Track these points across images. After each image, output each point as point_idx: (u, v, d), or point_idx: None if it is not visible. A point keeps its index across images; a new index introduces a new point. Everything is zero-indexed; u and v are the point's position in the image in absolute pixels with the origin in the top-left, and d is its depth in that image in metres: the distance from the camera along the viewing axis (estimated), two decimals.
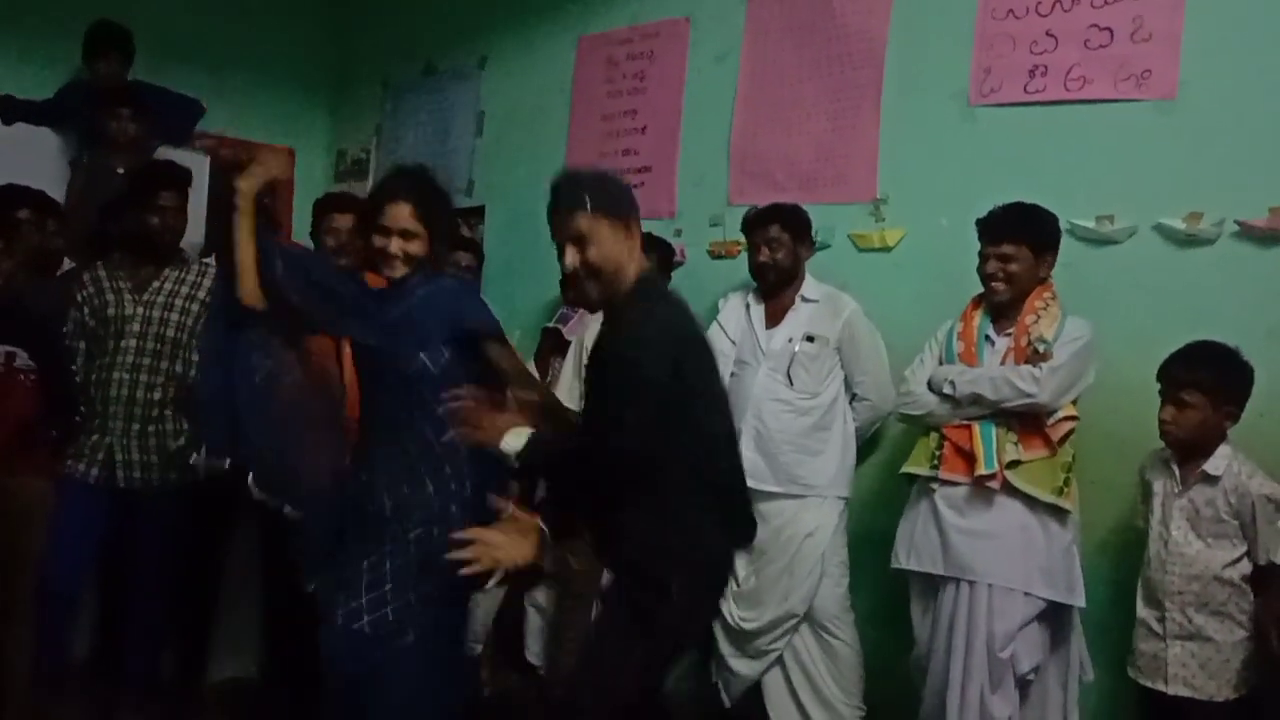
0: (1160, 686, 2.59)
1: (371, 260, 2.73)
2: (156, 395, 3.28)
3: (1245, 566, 2.57)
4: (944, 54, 3.49)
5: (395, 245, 2.64)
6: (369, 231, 2.71)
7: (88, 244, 3.65)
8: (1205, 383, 2.58)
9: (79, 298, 3.29)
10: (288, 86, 5.36)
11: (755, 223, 3.46)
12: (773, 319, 3.43)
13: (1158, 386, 2.67)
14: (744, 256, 3.72)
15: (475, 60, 4.95)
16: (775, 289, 3.45)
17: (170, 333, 3.29)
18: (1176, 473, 2.65)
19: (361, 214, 3.08)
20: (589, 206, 2.24)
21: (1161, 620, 2.61)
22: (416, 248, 2.66)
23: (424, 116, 5.16)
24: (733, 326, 3.49)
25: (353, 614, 2.54)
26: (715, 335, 3.51)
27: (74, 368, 3.27)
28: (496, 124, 4.87)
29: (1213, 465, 2.58)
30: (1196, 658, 2.55)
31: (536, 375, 2.91)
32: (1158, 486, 2.69)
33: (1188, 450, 2.63)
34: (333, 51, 5.57)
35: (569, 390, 3.80)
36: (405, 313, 2.65)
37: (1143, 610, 2.66)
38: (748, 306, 3.50)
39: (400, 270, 2.67)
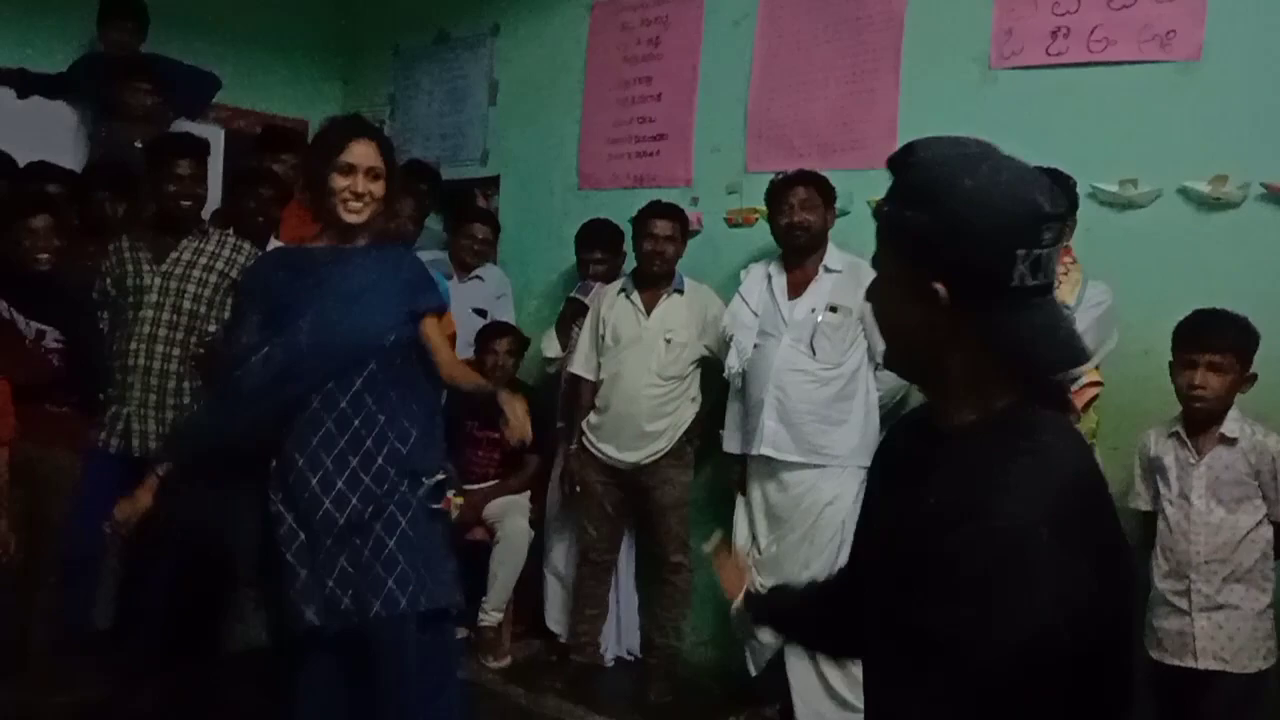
0: (1189, 662, 2.57)
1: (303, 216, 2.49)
2: (172, 366, 3.29)
3: (1268, 531, 2.57)
4: (964, 16, 3.44)
5: (362, 184, 2.44)
6: (317, 180, 2.47)
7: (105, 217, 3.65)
8: (1234, 346, 2.56)
9: (104, 268, 3.32)
10: (299, 56, 5.32)
11: (784, 185, 3.43)
12: (795, 289, 3.41)
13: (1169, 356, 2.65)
14: (761, 225, 3.70)
15: (488, 28, 4.91)
16: (801, 255, 3.43)
17: (187, 304, 3.30)
18: (1189, 443, 2.64)
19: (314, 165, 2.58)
20: None
21: (1185, 594, 2.59)
22: (381, 189, 2.48)
23: (436, 85, 5.13)
24: (755, 298, 3.47)
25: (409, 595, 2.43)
26: (737, 306, 3.51)
27: (100, 340, 3.30)
28: (510, 92, 4.83)
29: (1229, 428, 2.58)
30: (1224, 629, 2.54)
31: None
32: (1169, 460, 2.67)
33: (1206, 418, 2.61)
34: (344, 20, 5.52)
35: (585, 359, 3.81)
36: (373, 281, 2.48)
37: (1163, 584, 2.63)
38: (769, 277, 3.48)
39: (366, 213, 2.47)
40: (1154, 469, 2.72)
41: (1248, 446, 2.57)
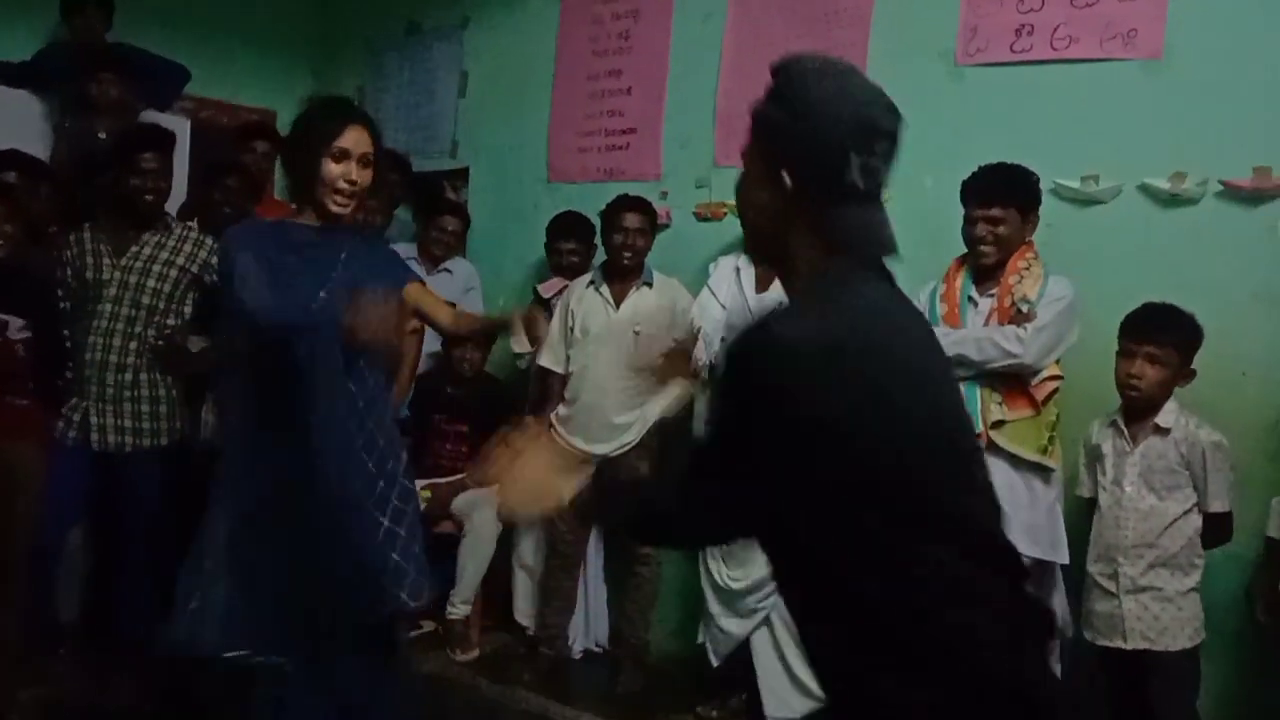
0: (1119, 643, 2.64)
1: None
2: (130, 360, 3.26)
3: (1196, 520, 2.64)
4: (931, 12, 3.47)
5: (356, 171, 2.34)
6: (306, 165, 2.37)
7: (71, 208, 3.61)
8: (1178, 340, 2.63)
9: (65, 258, 3.29)
10: (268, 46, 5.28)
11: None
12: (763, 283, 3.42)
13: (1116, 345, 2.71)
14: (730, 219, 3.72)
15: (458, 20, 4.89)
16: None
17: (146, 299, 3.27)
18: (1125, 431, 2.70)
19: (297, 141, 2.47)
20: None
21: (1114, 577, 2.66)
22: (369, 178, 2.39)
23: (407, 77, 5.11)
24: (723, 291, 3.49)
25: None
26: (706, 300, 3.52)
27: (64, 332, 3.27)
28: (480, 85, 4.82)
29: (1163, 419, 2.65)
30: (1150, 610, 2.62)
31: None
32: (1107, 448, 2.75)
33: (1142, 408, 2.68)
34: (314, 11, 5.49)
35: (554, 352, 3.81)
36: (367, 266, 2.43)
37: (1094, 567, 2.71)
38: (738, 270, 3.50)
39: (352, 206, 2.39)
40: (1095, 456, 2.78)
41: (1180, 437, 2.64)
